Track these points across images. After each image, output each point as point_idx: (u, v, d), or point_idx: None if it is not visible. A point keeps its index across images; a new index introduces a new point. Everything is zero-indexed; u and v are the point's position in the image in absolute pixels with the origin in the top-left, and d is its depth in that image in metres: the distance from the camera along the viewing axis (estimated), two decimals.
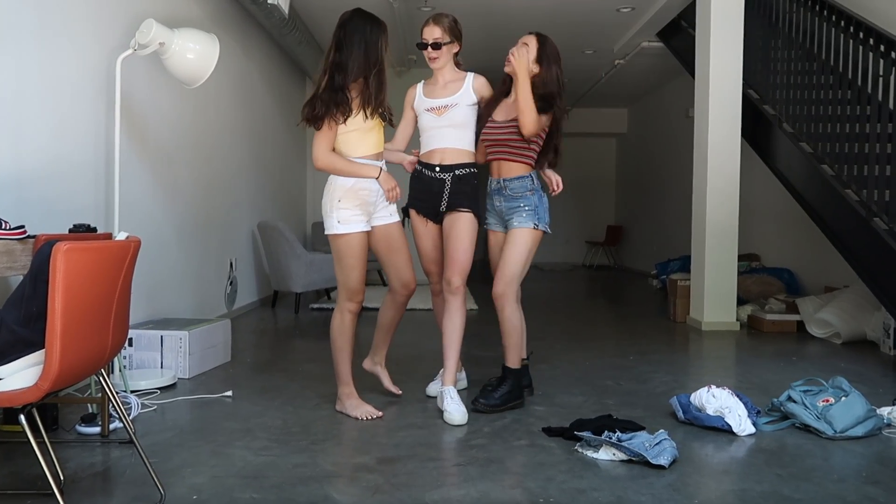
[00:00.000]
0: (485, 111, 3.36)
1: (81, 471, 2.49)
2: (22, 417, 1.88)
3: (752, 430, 2.97)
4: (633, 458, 2.59)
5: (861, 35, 4.64)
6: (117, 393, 2.87)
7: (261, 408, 3.31)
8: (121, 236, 2.22)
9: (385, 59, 3.07)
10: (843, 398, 2.99)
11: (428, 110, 3.38)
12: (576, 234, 14.24)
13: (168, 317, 4.57)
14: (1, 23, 3.02)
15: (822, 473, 2.52)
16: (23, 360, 1.92)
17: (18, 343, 1.93)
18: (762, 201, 7.32)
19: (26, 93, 3.19)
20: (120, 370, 3.40)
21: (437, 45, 3.33)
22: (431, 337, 5.14)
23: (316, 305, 6.87)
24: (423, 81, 3.50)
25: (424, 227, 3.44)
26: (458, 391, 3.32)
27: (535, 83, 3.23)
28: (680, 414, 3.13)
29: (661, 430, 2.72)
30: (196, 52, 3.50)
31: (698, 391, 3.14)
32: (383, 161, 3.22)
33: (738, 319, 5.83)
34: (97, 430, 2.89)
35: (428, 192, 3.38)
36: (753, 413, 3.07)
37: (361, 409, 3.16)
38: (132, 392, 3.44)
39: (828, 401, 3.00)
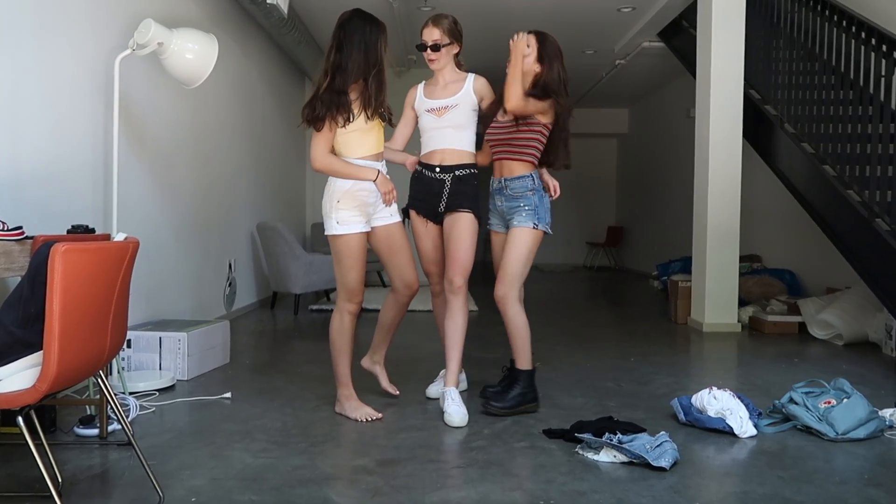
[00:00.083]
0: (488, 112, 3.36)
1: (80, 473, 2.47)
2: (20, 419, 1.87)
3: (754, 431, 2.96)
4: (634, 461, 2.58)
5: (863, 35, 4.63)
6: (116, 395, 2.86)
7: (260, 409, 3.30)
8: (119, 237, 2.21)
9: (384, 59, 3.07)
10: (845, 400, 2.98)
11: (428, 111, 3.37)
12: (576, 234, 14.22)
13: (167, 318, 4.56)
14: None
15: (824, 475, 2.51)
16: (21, 362, 1.92)
17: (16, 344, 1.92)
18: (763, 202, 7.31)
19: (24, 93, 3.18)
20: (118, 372, 3.39)
21: (436, 47, 3.32)
22: (431, 338, 5.13)
23: (315, 307, 6.85)
24: (423, 82, 3.49)
25: (424, 228, 3.43)
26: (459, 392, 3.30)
27: (537, 82, 3.22)
28: (681, 416, 3.11)
29: (663, 432, 2.71)
30: (195, 52, 3.49)
31: (699, 393, 3.13)
32: (383, 162, 3.21)
33: (739, 321, 5.82)
34: (95, 431, 2.88)
35: (428, 192, 3.37)
36: (755, 415, 3.06)
37: (361, 411, 3.15)
38: (130, 394, 3.43)
39: (829, 403, 2.99)
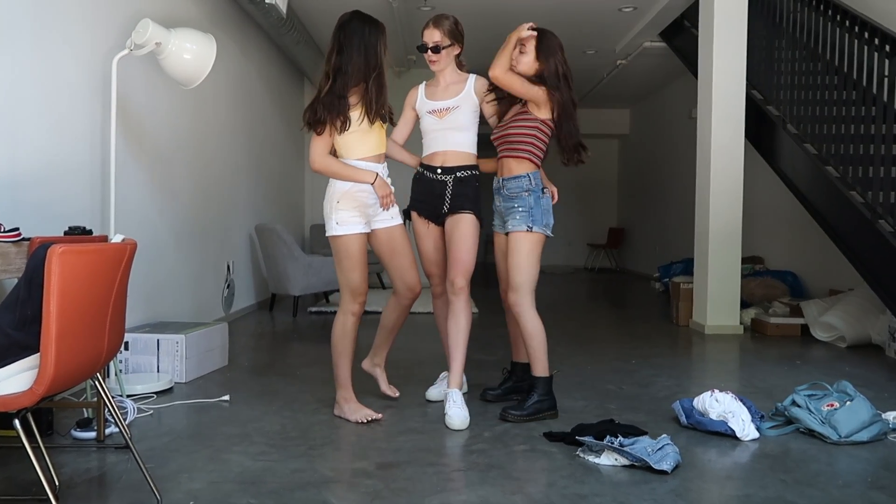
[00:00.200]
0: (493, 112, 3.35)
1: (77, 476, 2.46)
2: (17, 422, 1.86)
3: (756, 434, 2.94)
4: (636, 464, 2.56)
5: (866, 35, 4.61)
6: (113, 397, 2.84)
7: (258, 412, 3.28)
8: (117, 239, 2.19)
9: (384, 62, 3.07)
10: (848, 402, 2.96)
11: (430, 113, 3.35)
12: (577, 236, 14.21)
13: (164, 320, 4.54)
14: None
15: (827, 479, 2.49)
16: (18, 364, 1.91)
17: (13, 347, 1.91)
18: (766, 203, 7.29)
19: (21, 94, 3.16)
20: (116, 374, 3.37)
21: (436, 49, 3.31)
22: (431, 341, 5.11)
23: (314, 309, 6.83)
24: (424, 83, 3.48)
25: (426, 229, 3.42)
26: None
27: (535, 79, 3.19)
28: (683, 418, 3.09)
29: (664, 435, 2.69)
30: (193, 53, 3.47)
31: (701, 395, 3.11)
32: (384, 164, 3.20)
33: (741, 323, 5.79)
34: (93, 434, 2.86)
35: (429, 193, 3.35)
36: (757, 418, 3.04)
37: (360, 413, 3.13)
38: (128, 396, 3.42)
39: (832, 405, 2.97)
